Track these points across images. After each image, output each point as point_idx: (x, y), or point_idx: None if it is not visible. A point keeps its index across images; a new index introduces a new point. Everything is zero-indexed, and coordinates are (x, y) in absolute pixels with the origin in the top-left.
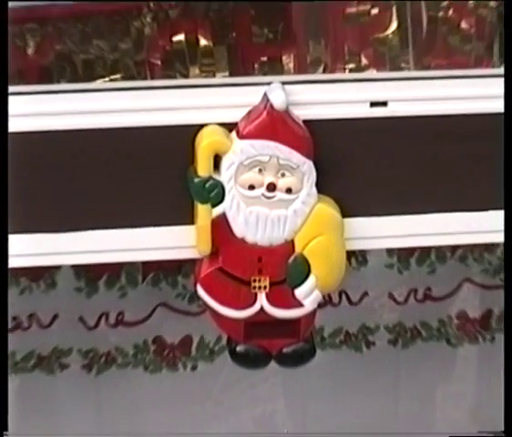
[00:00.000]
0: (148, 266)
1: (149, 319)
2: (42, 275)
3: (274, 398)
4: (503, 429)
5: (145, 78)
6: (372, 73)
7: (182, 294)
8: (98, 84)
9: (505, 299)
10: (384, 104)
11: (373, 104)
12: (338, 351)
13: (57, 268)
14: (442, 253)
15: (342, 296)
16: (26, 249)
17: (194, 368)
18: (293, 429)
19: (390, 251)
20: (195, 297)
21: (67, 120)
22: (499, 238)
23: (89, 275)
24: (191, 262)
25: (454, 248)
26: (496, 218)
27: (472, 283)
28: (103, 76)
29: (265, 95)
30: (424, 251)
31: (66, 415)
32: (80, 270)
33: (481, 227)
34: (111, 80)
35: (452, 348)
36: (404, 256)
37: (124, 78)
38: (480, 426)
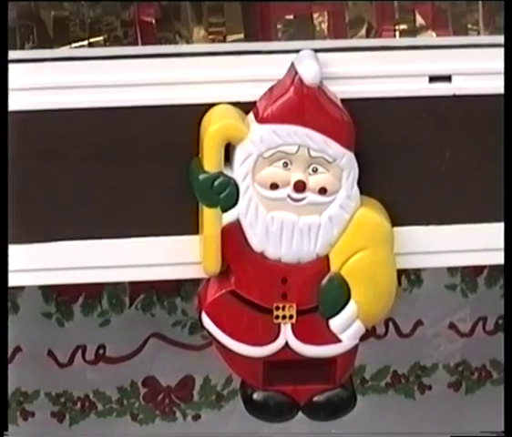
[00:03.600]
0: (137, 285)
1: (139, 354)
2: None
3: None
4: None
5: (135, 43)
6: (432, 38)
7: (182, 322)
8: (72, 49)
9: (505, 300)
10: (448, 78)
11: (432, 78)
12: (383, 397)
13: (19, 288)
14: None
15: (388, 325)
16: None
17: (197, 417)
18: None
19: (452, 269)
20: (198, 326)
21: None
22: None
23: (61, 297)
24: (194, 282)
25: None
26: None
27: None
28: (79, 39)
29: (292, 66)
30: (496, 269)
31: None
32: (49, 291)
33: None
34: (90, 44)
35: None
36: (469, 274)
37: (107, 42)
38: None
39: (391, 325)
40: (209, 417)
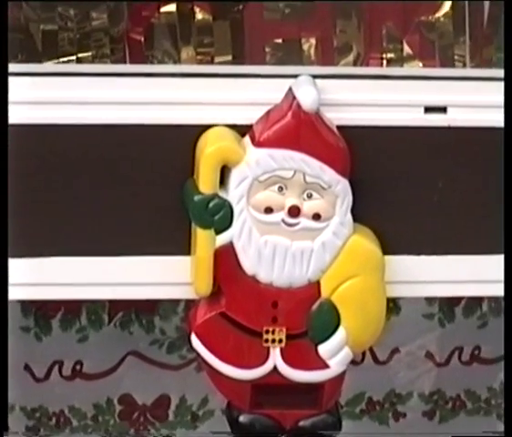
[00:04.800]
0: (116, 303)
1: (116, 371)
2: None
3: None
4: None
5: (122, 60)
6: (428, 69)
7: (159, 341)
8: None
9: (505, 301)
10: (444, 110)
11: (428, 109)
12: (358, 423)
13: None
14: (497, 303)
15: (365, 352)
16: None
17: None
18: None
19: (430, 298)
20: (176, 345)
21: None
22: None
23: (40, 312)
24: (173, 302)
25: None
26: None
27: None
28: (68, 54)
29: (290, 90)
30: (474, 300)
31: None
32: (28, 305)
33: None
34: (78, 59)
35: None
36: (447, 304)
37: (95, 58)
38: None
39: (367, 352)
40: None
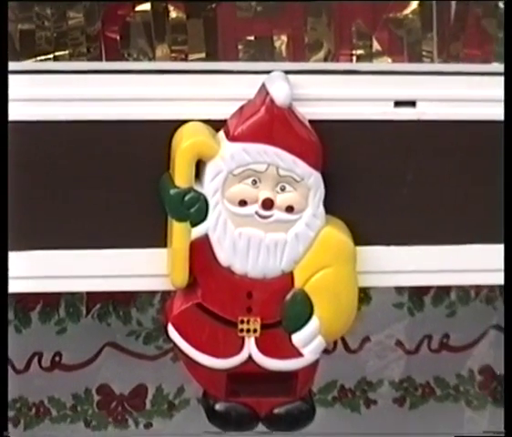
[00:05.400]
0: (94, 295)
1: (94, 362)
2: None
3: None
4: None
5: (99, 58)
6: (398, 64)
7: (136, 332)
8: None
9: (505, 302)
10: (413, 104)
11: (398, 103)
12: (330, 411)
13: None
14: (464, 292)
15: (337, 341)
16: None
17: (148, 425)
18: None
19: (400, 287)
20: (152, 336)
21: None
22: None
23: (19, 304)
24: (149, 294)
25: (479, 286)
26: None
27: (501, 331)
28: (45, 52)
29: (263, 86)
30: (443, 289)
31: None
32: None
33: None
34: (55, 58)
35: (472, 410)
36: (416, 294)
37: (72, 56)
38: None
39: (339, 341)
40: (160, 425)
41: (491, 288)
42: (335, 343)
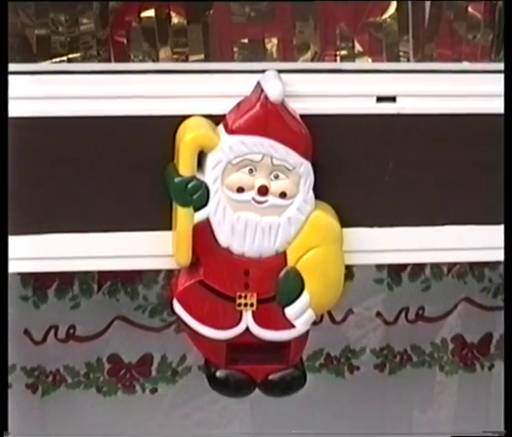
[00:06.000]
0: (104, 273)
1: (104, 334)
2: None
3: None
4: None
5: (108, 60)
6: (380, 63)
7: (143, 306)
8: (52, 64)
9: (505, 302)
10: (393, 99)
11: (380, 99)
12: (317, 376)
13: None
14: (438, 269)
15: (323, 314)
16: None
17: (154, 390)
18: None
19: (380, 265)
20: (157, 310)
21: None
22: (500, 255)
23: (37, 282)
24: (154, 272)
25: (451, 263)
26: (497, 233)
27: (471, 303)
28: (59, 55)
29: (258, 84)
30: (419, 266)
31: None
32: (27, 277)
33: (481, 243)
34: (69, 60)
35: (446, 376)
36: (395, 270)
37: (84, 58)
38: None
39: (325, 313)
40: (165, 390)
41: (462, 264)
42: (322, 315)
